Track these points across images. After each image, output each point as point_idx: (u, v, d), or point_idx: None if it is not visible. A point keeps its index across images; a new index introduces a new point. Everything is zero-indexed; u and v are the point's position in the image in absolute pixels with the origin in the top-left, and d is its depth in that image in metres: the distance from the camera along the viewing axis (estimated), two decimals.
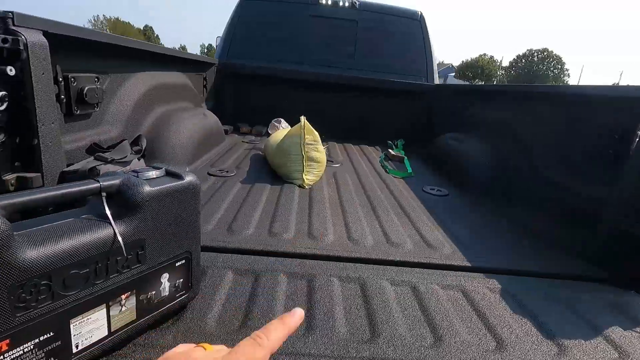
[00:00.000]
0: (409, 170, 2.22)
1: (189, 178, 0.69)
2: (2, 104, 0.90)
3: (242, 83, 3.02)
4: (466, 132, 2.30)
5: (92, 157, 1.16)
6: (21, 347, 0.49)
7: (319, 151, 1.79)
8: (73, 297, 0.54)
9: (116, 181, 0.60)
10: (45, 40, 0.98)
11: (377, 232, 1.27)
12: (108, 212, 0.57)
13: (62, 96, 1.20)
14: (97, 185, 0.57)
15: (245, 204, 1.41)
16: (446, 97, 2.89)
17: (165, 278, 0.69)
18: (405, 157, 2.49)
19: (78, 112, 1.28)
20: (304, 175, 1.72)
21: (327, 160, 2.12)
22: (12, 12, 0.89)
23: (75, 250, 0.52)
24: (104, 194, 0.58)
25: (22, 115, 0.96)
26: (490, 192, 1.76)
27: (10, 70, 0.89)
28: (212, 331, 0.72)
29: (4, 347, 0.47)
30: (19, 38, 0.90)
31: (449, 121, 2.67)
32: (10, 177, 0.99)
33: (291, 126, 2.00)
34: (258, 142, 2.64)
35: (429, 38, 3.14)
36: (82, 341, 0.57)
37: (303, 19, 3.07)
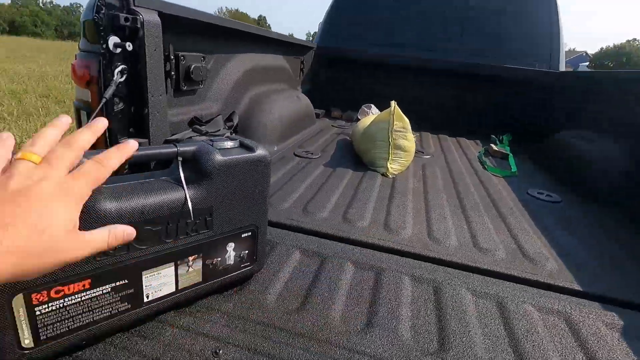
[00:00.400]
0: (514, 168, 1.93)
1: (260, 151, 0.69)
2: (122, 76, 1.02)
3: (338, 67, 3.01)
4: (598, 130, 1.89)
5: (191, 129, 1.27)
6: (100, 288, 0.54)
7: (408, 140, 1.67)
8: (145, 252, 0.58)
9: (192, 148, 0.63)
10: (159, 20, 1.07)
11: (464, 233, 1.12)
12: (182, 175, 0.60)
13: (172, 73, 1.32)
14: (174, 150, 0.60)
15: (324, 186, 1.39)
16: (575, 88, 2.42)
17: (230, 247, 0.70)
18: (510, 154, 2.18)
19: (185, 88, 1.41)
20: (388, 164, 1.62)
21: (417, 151, 1.98)
22: None
23: (149, 207, 0.56)
24: (180, 158, 0.61)
25: (137, 86, 1.08)
26: (621, 204, 1.42)
27: (129, 46, 1.00)
28: (271, 307, 0.72)
29: (87, 285, 0.53)
30: (138, 17, 0.99)
31: (575, 116, 2.23)
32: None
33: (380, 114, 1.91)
34: (347, 127, 2.60)
35: (558, 17, 2.65)
36: (152, 293, 0.61)
37: (404, 0, 2.89)
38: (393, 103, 1.66)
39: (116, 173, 0.72)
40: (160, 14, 1.10)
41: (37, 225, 0.32)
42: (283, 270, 0.84)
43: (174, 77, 1.34)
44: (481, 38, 2.76)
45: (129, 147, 0.45)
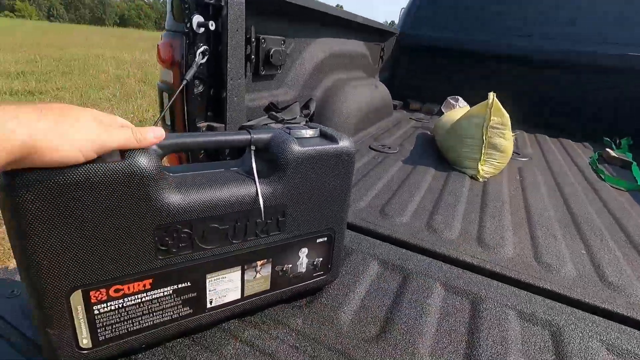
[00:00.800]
0: None
1: (344, 142, 0.57)
2: (203, 57, 0.98)
3: (420, 56, 2.76)
4: None
5: (267, 115, 1.21)
6: (161, 290, 0.48)
7: (506, 139, 1.43)
8: (211, 252, 0.50)
9: (267, 135, 0.54)
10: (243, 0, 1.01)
11: (583, 261, 0.90)
12: (254, 168, 0.51)
13: (253, 56, 1.27)
14: (247, 137, 0.52)
15: (404, 186, 1.24)
16: None
17: (303, 253, 0.61)
18: (634, 163, 1.78)
19: (263, 72, 1.36)
20: (479, 165, 1.40)
21: (512, 152, 1.71)
22: None
23: (217, 203, 0.48)
24: (253, 147, 0.52)
25: (217, 69, 1.04)
26: None
27: (212, 25, 0.95)
28: (345, 329, 0.61)
29: (147, 286, 0.47)
30: None
31: None
32: (202, 124, 1.12)
33: (471, 107, 1.67)
34: (427, 120, 2.38)
35: None
36: (216, 298, 0.54)
37: None
38: (492, 95, 1.43)
39: (193, 159, 0.67)
40: None
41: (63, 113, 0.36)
42: (359, 283, 0.72)
43: (253, 60, 1.28)
44: (603, 21, 2.30)
45: (141, 140, 0.42)
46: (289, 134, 0.56)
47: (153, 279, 0.47)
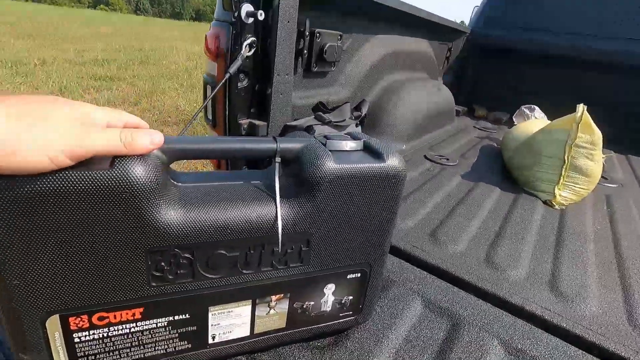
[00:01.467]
0: None
1: (392, 161, 0.45)
2: (250, 50, 0.92)
3: (492, 58, 2.50)
4: None
5: (313, 116, 1.12)
6: (154, 321, 0.41)
7: (594, 160, 1.19)
8: (216, 283, 0.42)
9: (297, 145, 0.44)
10: None
11: None
12: (277, 184, 0.41)
13: (305, 51, 1.19)
14: (272, 146, 0.42)
15: (461, 206, 1.08)
16: None
17: (330, 290, 0.50)
18: None
19: (316, 69, 1.26)
20: (556, 189, 1.19)
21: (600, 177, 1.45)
22: None
23: (226, 225, 0.39)
24: (278, 159, 0.43)
25: (264, 62, 0.97)
26: None
27: (261, 15, 0.88)
28: None
29: (137, 315, 0.40)
30: None
31: None
32: (244, 121, 1.05)
33: (550, 120, 1.44)
34: (494, 131, 2.13)
35: None
36: (219, 334, 0.46)
37: None
38: (581, 107, 1.20)
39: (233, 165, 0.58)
40: None
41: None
42: (395, 327, 0.60)
43: (305, 55, 1.20)
44: None
45: (133, 146, 0.34)
46: (325, 145, 0.45)
47: (144, 308, 0.40)
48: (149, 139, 0.34)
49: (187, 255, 0.39)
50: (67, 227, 0.32)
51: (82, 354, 0.39)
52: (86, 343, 0.38)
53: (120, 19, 26.03)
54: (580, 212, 1.16)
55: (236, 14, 0.85)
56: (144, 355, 0.42)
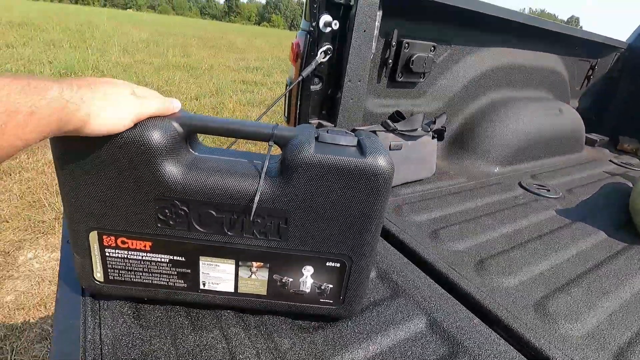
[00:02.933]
0: None
1: (375, 160, 0.47)
2: (325, 56, 1.00)
3: None
4: None
5: (380, 123, 1.13)
6: (159, 255, 0.52)
7: None
8: (205, 236, 0.51)
9: (290, 133, 0.49)
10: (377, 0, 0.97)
11: None
12: (266, 163, 0.48)
13: (390, 60, 1.21)
14: (268, 131, 0.49)
15: (537, 241, 0.94)
16: None
17: (308, 272, 0.54)
18: None
19: (401, 78, 1.27)
20: None
21: None
22: None
23: (214, 190, 0.48)
24: (271, 142, 0.49)
25: (337, 68, 1.04)
26: None
27: (335, 24, 0.95)
28: None
29: (147, 247, 0.52)
30: None
31: None
32: (314, 121, 1.14)
33: None
34: (638, 169, 1.71)
35: None
36: (209, 282, 0.55)
37: None
38: None
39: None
40: None
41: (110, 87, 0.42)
42: (387, 333, 0.58)
43: (390, 65, 1.22)
44: None
45: (169, 108, 0.48)
46: (317, 137, 0.50)
47: (152, 243, 0.51)
48: (178, 104, 0.48)
49: (184, 207, 0.49)
50: (108, 168, 0.46)
51: (110, 265, 0.53)
52: (113, 258, 0.52)
53: (276, 33, 29.86)
54: None
55: (314, 24, 0.95)
56: (151, 281, 0.54)
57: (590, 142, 2.00)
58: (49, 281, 1.60)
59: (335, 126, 1.10)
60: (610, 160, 1.79)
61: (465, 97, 1.47)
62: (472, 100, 1.51)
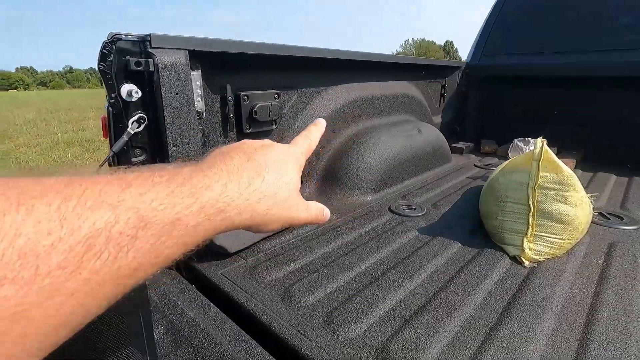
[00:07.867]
0: None
1: None
2: (139, 126, 0.93)
3: (497, 88, 2.30)
4: None
5: None
6: None
7: (571, 204, 0.96)
8: None
9: None
10: (183, 60, 0.93)
11: None
12: None
13: (231, 115, 1.18)
14: None
15: (394, 270, 0.92)
16: None
17: None
18: None
19: (249, 130, 1.25)
20: (525, 241, 0.97)
21: (599, 216, 1.18)
22: (149, 35, 0.88)
23: None
24: None
25: (157, 136, 0.97)
26: None
27: (137, 93, 0.89)
28: None
29: None
30: (151, 60, 0.88)
31: None
32: None
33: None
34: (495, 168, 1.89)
35: None
36: None
37: None
38: (540, 141, 1.00)
39: None
40: (195, 53, 0.97)
41: (281, 175, 0.40)
42: None
43: (232, 119, 1.19)
44: None
45: (322, 125, 0.58)
46: None
47: None
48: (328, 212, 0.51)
49: None
50: None
51: None
52: None
53: None
54: (558, 269, 0.92)
55: (113, 95, 0.87)
56: None
57: (458, 151, 2.19)
58: None
59: None
60: (475, 165, 1.96)
61: (326, 134, 1.50)
62: (336, 135, 1.55)
